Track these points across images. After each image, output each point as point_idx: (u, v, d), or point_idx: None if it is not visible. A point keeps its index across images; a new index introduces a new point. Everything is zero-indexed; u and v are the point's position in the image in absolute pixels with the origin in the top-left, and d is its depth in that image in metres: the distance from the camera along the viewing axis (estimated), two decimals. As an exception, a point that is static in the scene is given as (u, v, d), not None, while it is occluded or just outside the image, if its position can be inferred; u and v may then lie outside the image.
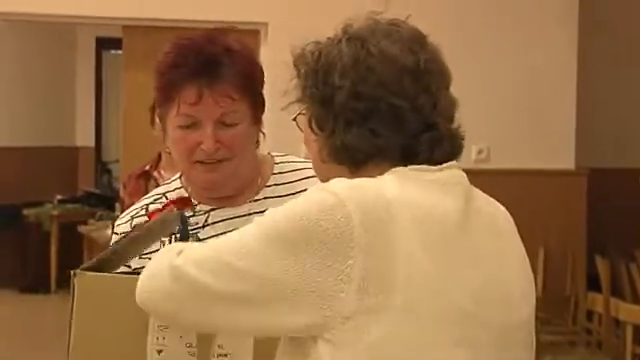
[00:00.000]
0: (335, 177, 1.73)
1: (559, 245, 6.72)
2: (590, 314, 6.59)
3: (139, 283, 1.75)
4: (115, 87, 9.33)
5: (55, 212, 10.20)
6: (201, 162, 2.18)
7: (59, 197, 10.42)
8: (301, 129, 1.84)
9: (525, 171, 6.80)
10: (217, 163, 2.18)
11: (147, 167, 4.43)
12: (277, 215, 1.65)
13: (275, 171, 2.31)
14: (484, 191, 1.83)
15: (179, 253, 1.71)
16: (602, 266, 6.30)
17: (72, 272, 1.88)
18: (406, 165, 1.72)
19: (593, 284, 6.53)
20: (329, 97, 1.73)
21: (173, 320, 1.75)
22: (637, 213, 5.48)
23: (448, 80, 1.77)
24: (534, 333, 1.81)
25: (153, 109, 4.36)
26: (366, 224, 1.61)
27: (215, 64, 2.16)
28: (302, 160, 2.32)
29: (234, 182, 2.21)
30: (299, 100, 1.80)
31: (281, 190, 2.26)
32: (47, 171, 10.79)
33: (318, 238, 1.60)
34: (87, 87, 11.48)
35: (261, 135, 2.28)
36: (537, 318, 1.83)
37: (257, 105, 2.22)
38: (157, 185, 4.28)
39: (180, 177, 2.34)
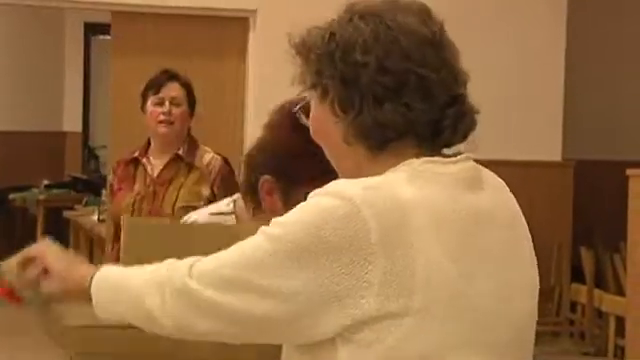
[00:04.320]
0: (356, 160, 1.70)
1: (544, 236, 6.74)
2: (574, 305, 6.62)
3: (149, 307, 1.70)
4: (103, 73, 9.32)
5: (41, 197, 10.17)
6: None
7: (46, 182, 10.39)
8: (305, 120, 1.79)
9: (512, 162, 6.82)
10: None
11: (136, 154, 4.47)
12: (289, 227, 1.61)
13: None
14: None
15: (189, 271, 1.67)
16: (586, 258, 6.32)
17: None
18: (433, 142, 1.69)
19: (577, 275, 6.56)
20: (352, 76, 1.66)
21: (199, 337, 1.71)
22: (623, 205, 5.49)
23: (458, 52, 1.74)
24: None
25: (145, 96, 4.47)
26: (383, 229, 1.57)
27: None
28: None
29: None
30: (313, 86, 1.73)
31: None
32: (34, 156, 10.77)
33: (336, 248, 1.57)
34: (75, 72, 11.45)
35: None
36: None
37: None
38: (145, 171, 4.36)
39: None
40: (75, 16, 10.93)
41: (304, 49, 1.73)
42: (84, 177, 10.77)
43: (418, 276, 1.57)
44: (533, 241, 1.78)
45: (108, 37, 7.54)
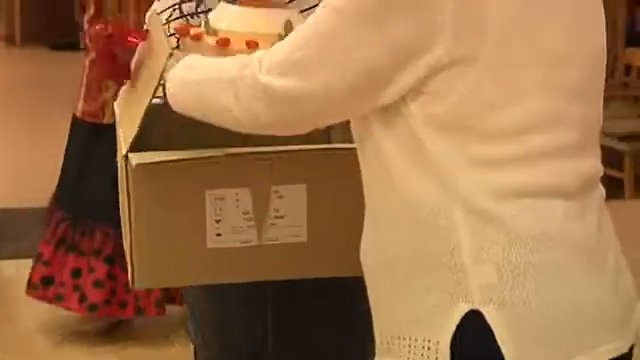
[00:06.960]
0: None
1: (600, -1, 6.59)
2: (628, 69, 6.68)
3: (224, 105, 1.67)
4: None
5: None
6: None
7: None
8: None
9: None
10: None
11: None
12: None
13: None
14: None
15: (259, 67, 1.62)
16: (644, 20, 6.21)
17: (125, 158, 1.81)
18: None
19: (633, 40, 6.57)
20: None
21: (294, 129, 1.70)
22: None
23: None
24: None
25: None
26: None
27: None
28: None
29: None
30: None
31: None
32: None
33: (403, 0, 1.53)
34: None
35: None
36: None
37: None
38: None
39: None
40: None
41: None
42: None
43: (491, 17, 1.53)
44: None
45: None
